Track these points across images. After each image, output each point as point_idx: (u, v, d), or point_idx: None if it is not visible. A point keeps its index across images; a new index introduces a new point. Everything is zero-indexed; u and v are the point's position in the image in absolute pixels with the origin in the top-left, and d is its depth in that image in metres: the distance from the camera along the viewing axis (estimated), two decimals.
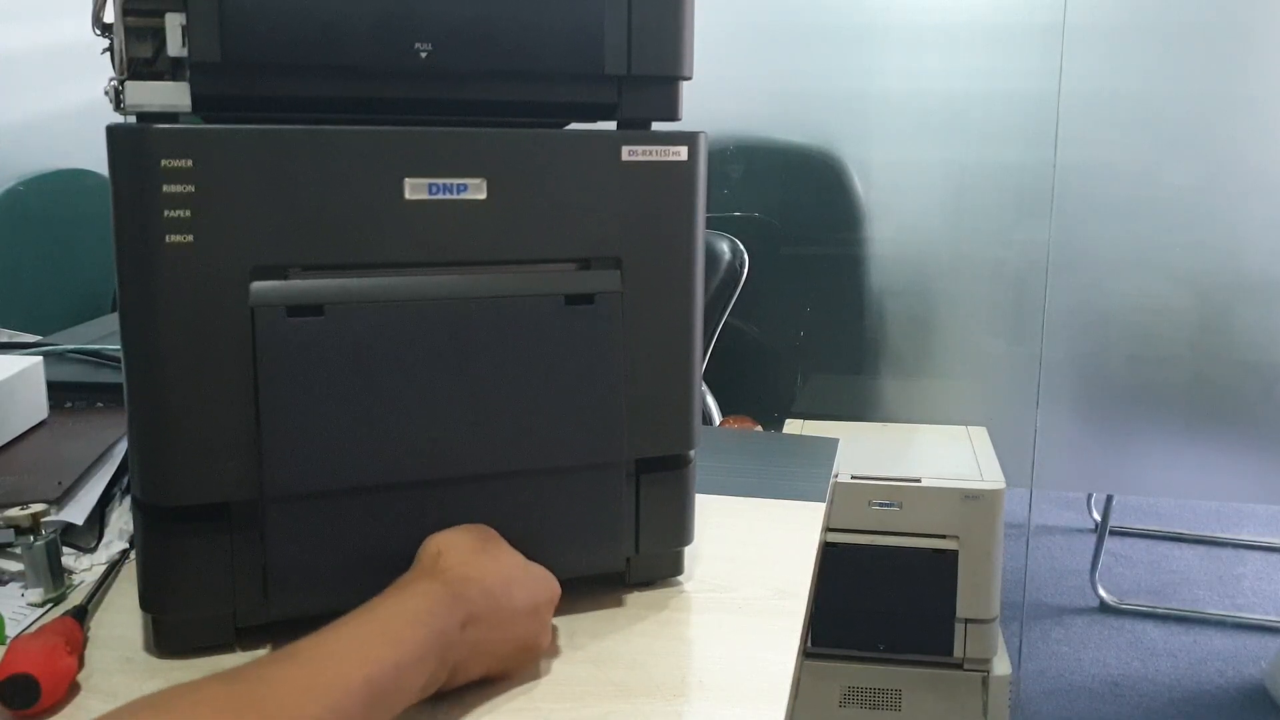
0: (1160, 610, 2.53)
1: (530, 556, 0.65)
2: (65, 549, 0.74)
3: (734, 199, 2.24)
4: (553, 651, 0.65)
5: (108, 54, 0.60)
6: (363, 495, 0.62)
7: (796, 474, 0.95)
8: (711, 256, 2.03)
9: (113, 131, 0.58)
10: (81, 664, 0.62)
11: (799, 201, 2.24)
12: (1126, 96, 2.05)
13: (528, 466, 0.66)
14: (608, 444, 0.67)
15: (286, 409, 0.60)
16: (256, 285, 0.59)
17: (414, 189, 0.62)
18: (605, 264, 0.67)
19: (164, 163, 0.57)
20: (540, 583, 0.63)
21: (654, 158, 0.67)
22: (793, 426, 2.16)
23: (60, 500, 0.76)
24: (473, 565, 0.60)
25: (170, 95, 0.59)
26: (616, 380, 0.67)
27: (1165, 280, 2.12)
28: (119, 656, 0.64)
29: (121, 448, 0.84)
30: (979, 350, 2.20)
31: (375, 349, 0.62)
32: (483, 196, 0.63)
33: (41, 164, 2.07)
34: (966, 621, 1.88)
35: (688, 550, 0.75)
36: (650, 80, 0.67)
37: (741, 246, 2.08)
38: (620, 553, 0.70)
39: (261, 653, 0.64)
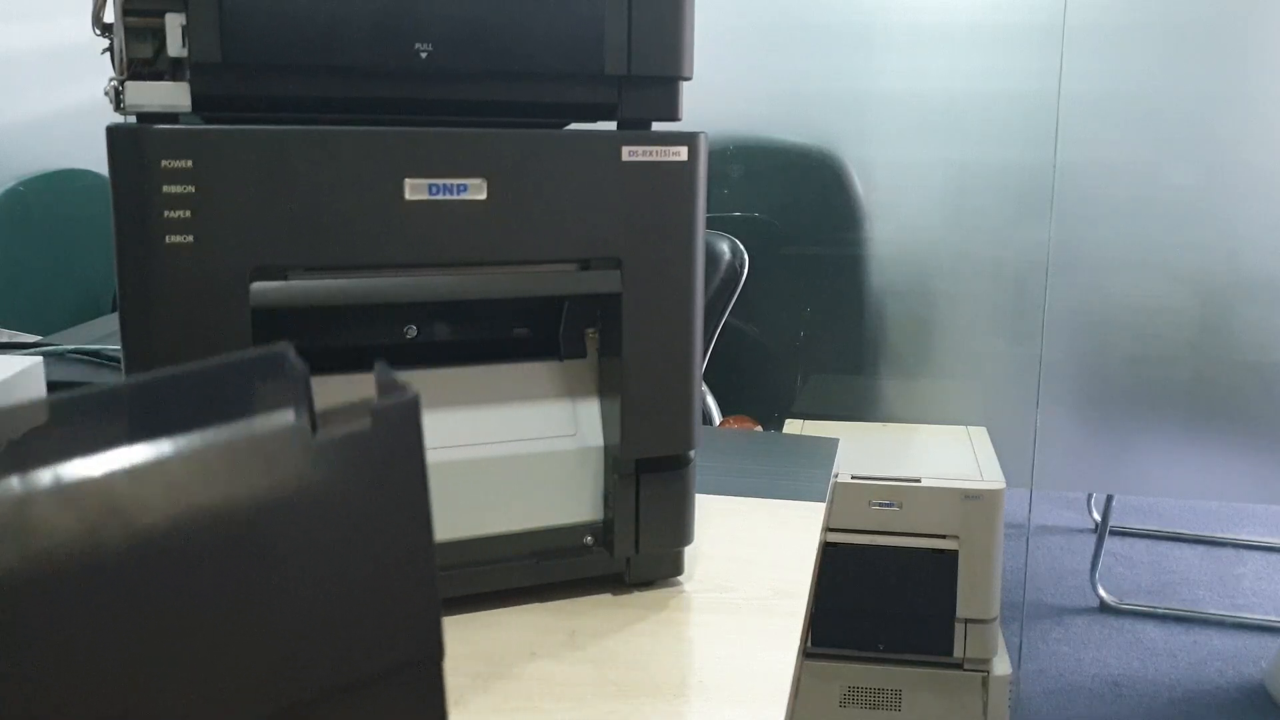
0: (1160, 610, 2.53)
1: None
2: None
3: (734, 199, 2.24)
4: (553, 652, 0.65)
5: (108, 54, 0.60)
6: None
7: (796, 474, 0.95)
8: (711, 256, 2.03)
9: (113, 131, 0.58)
10: None
11: (799, 201, 2.24)
12: (1126, 96, 2.06)
13: (292, 700, 0.38)
14: (414, 635, 0.40)
15: None
16: (256, 286, 0.59)
17: (414, 189, 0.62)
18: (605, 264, 0.67)
19: (164, 163, 0.57)
20: None
21: (654, 158, 0.67)
22: (793, 426, 2.17)
23: None
24: None
25: (170, 95, 0.59)
26: (420, 535, 0.40)
27: (1165, 280, 2.12)
28: None
29: None
30: (979, 350, 2.20)
31: None
32: (483, 197, 0.63)
33: (41, 164, 2.07)
34: (966, 621, 1.88)
35: (688, 550, 0.75)
36: (650, 80, 0.67)
37: (741, 246, 2.08)
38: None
39: None
